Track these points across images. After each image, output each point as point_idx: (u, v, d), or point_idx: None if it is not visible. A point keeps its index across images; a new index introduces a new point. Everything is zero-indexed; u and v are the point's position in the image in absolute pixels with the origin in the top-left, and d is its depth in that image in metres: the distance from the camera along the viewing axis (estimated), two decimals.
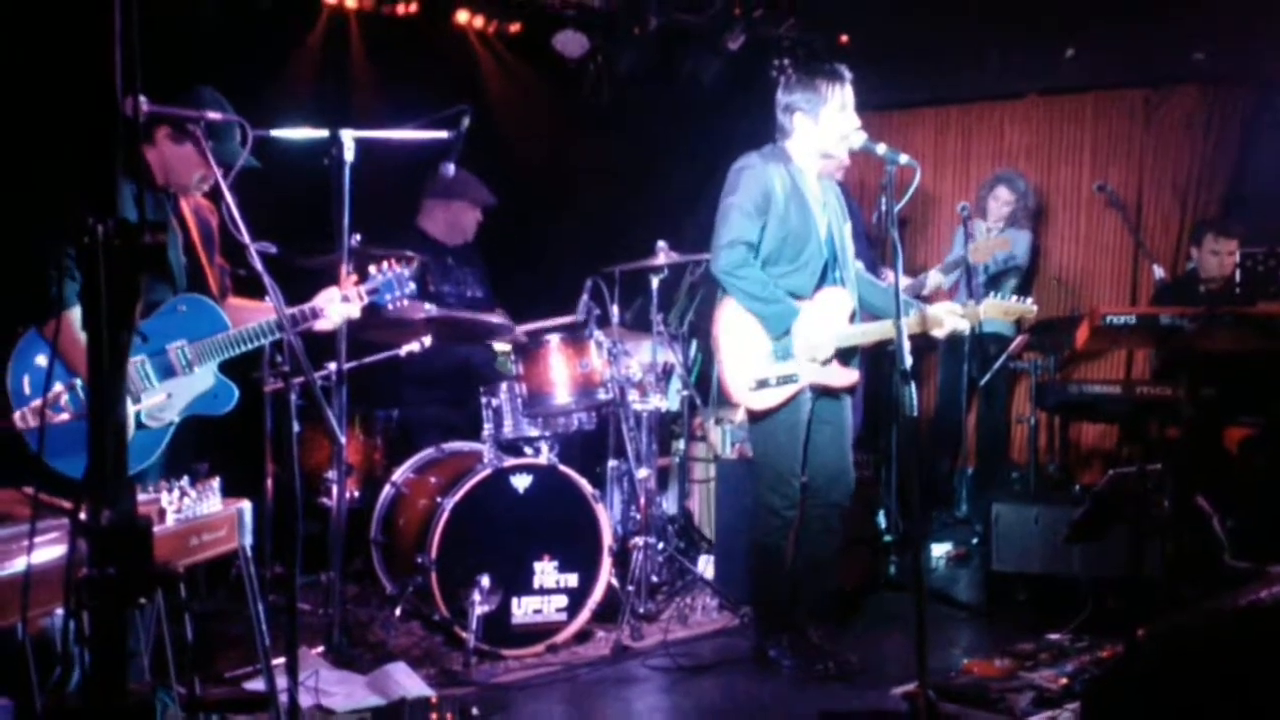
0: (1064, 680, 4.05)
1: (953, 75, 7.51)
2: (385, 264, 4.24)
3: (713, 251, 4.42)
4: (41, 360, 3.54)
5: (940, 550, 6.37)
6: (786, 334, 4.36)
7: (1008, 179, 7.00)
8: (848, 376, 4.48)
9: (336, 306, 4.08)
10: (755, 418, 4.50)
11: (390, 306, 4.27)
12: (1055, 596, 5.10)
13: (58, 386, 3.36)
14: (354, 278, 4.19)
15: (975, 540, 6.34)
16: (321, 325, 4.08)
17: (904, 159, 4.00)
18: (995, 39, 6.85)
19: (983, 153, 7.86)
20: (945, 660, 4.46)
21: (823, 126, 4.38)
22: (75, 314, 3.34)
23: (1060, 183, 7.66)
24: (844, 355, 4.46)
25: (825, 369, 4.41)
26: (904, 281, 6.10)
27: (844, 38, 7.02)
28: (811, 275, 4.43)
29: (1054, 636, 4.62)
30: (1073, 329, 6.16)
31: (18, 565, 2.22)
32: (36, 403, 3.38)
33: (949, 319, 4.41)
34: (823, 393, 4.47)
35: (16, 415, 3.39)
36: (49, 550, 2.28)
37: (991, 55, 7.09)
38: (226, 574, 4.84)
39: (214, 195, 3.83)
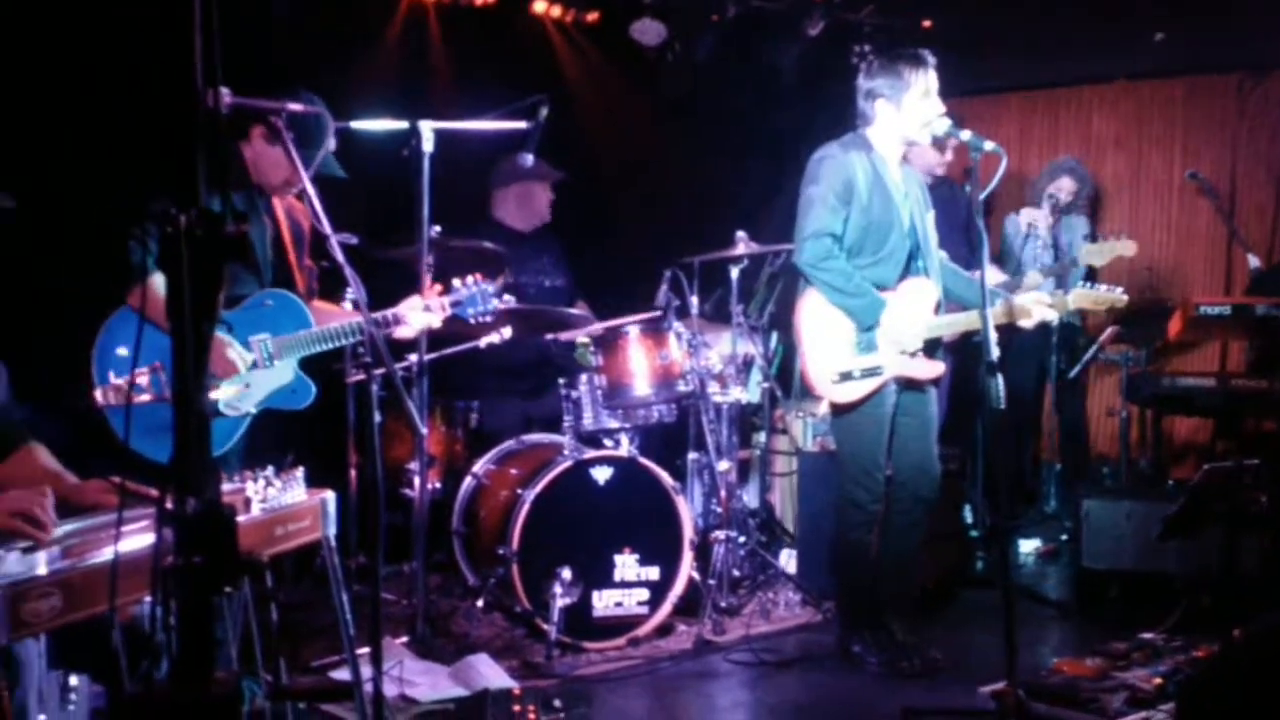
0: (1158, 680, 3.95)
1: (1039, 60, 7.35)
2: (471, 278, 4.24)
3: (796, 244, 4.36)
4: (123, 351, 3.57)
5: (1029, 546, 6.24)
6: (873, 327, 4.29)
7: (1070, 168, 6.83)
8: (933, 368, 4.42)
9: (418, 315, 4.09)
10: (839, 411, 4.44)
11: (472, 320, 4.27)
12: (1148, 594, 4.99)
13: (141, 368, 3.39)
14: (438, 287, 4.19)
15: (1065, 536, 6.22)
16: (401, 333, 4.10)
17: (989, 145, 3.93)
18: (1082, 22, 6.69)
19: (1070, 139, 7.69)
20: (1034, 659, 4.37)
21: (905, 113, 4.31)
22: (158, 280, 3.40)
23: (1150, 170, 7.48)
24: (928, 347, 4.39)
25: (910, 361, 4.34)
26: (998, 279, 6.02)
27: (927, 22, 6.89)
28: (896, 265, 4.37)
29: (1147, 635, 4.50)
30: (1165, 320, 6.01)
31: (107, 554, 2.24)
32: (118, 381, 3.41)
33: (1037, 309, 4.36)
34: (907, 385, 4.41)
35: (98, 392, 3.42)
36: (138, 539, 2.30)
37: (1078, 39, 6.93)
38: (311, 564, 4.88)
39: (305, 197, 3.86)
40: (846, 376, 4.32)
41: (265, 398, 3.79)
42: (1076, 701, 3.87)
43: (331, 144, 3.87)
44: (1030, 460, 7.18)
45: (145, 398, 3.32)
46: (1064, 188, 6.71)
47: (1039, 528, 6.60)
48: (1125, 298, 4.49)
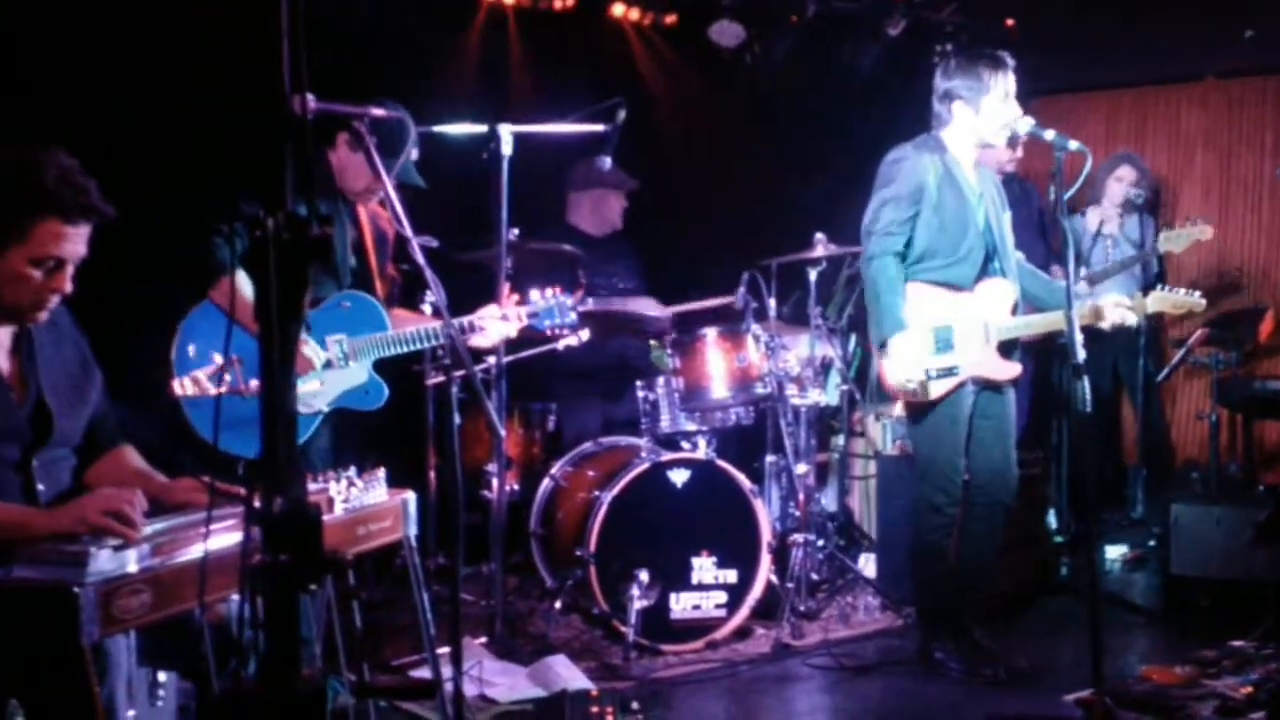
0: (1248, 689, 3.86)
1: (1125, 57, 7.21)
2: (550, 290, 4.24)
3: (864, 240, 4.35)
4: (193, 348, 3.60)
5: (1115, 552, 6.11)
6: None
7: (1126, 156, 6.69)
8: (1010, 369, 4.38)
9: (495, 324, 4.09)
10: (915, 412, 4.39)
11: (548, 331, 4.28)
12: (1238, 602, 4.87)
13: (218, 360, 3.44)
14: (516, 296, 4.20)
15: (1152, 542, 6.09)
16: (478, 341, 4.12)
17: (1074, 145, 3.88)
18: (1170, 19, 6.55)
19: (1158, 138, 7.53)
20: (1121, 666, 4.29)
21: (983, 115, 4.28)
22: (240, 277, 3.44)
23: (1240, 169, 7.31)
24: (1005, 348, 4.35)
25: (987, 361, 4.30)
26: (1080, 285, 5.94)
27: (1010, 21, 6.79)
28: (973, 266, 4.33)
29: (1237, 644, 4.38)
30: (1256, 322, 5.88)
31: (195, 552, 2.28)
32: (196, 372, 3.45)
33: (1115, 311, 4.32)
34: (985, 387, 4.36)
35: (175, 382, 3.47)
36: (225, 537, 2.33)
37: (1166, 36, 6.79)
38: (391, 565, 4.93)
39: (387, 202, 3.90)
40: (923, 378, 4.26)
41: (338, 397, 3.83)
42: (1165, 710, 3.79)
43: (414, 153, 3.90)
44: (1114, 465, 7.05)
45: (221, 390, 3.37)
46: (1124, 176, 6.58)
47: (1125, 533, 6.47)
48: (1204, 302, 4.44)
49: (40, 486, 2.64)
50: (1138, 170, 6.61)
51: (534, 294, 4.23)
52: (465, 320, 4.05)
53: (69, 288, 2.63)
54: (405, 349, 3.89)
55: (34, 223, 2.52)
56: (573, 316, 4.26)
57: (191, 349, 3.58)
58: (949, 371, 4.25)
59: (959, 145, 4.36)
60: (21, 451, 2.63)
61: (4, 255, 2.53)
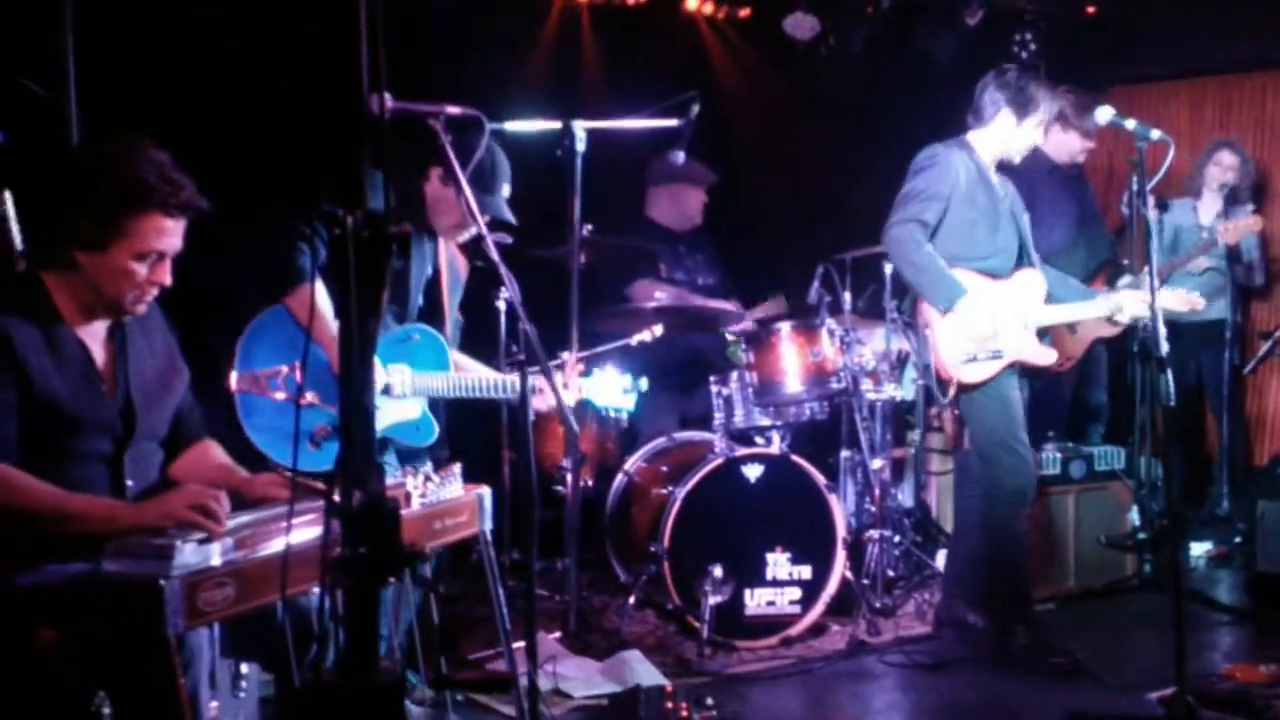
0: None
1: (1208, 45, 7.03)
2: (611, 368, 4.20)
3: (885, 228, 4.54)
4: (260, 348, 3.56)
5: (1200, 549, 5.99)
6: (948, 310, 4.40)
7: (1226, 143, 6.54)
8: (1048, 355, 4.53)
9: (548, 396, 3.80)
10: (965, 393, 4.50)
11: (601, 406, 4.20)
12: None
13: (283, 368, 3.44)
14: (580, 367, 4.10)
15: (1238, 539, 5.95)
16: (535, 403, 3.85)
17: (1155, 135, 3.89)
18: (1254, 3, 6.38)
19: (1244, 126, 7.32)
20: (1205, 665, 4.21)
21: (1021, 131, 4.52)
22: (318, 287, 3.46)
23: None
24: (1040, 335, 4.56)
25: (1027, 346, 4.47)
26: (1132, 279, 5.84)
27: (1091, 9, 6.67)
28: (1009, 258, 4.59)
29: None
30: None
31: (277, 545, 2.31)
32: (256, 371, 3.45)
33: (1130, 305, 4.47)
34: (1024, 374, 4.56)
35: (234, 375, 3.48)
36: (306, 531, 2.37)
37: (1250, 21, 6.62)
38: (467, 560, 4.97)
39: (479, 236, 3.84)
40: (972, 358, 4.42)
41: (387, 426, 3.70)
42: (1249, 709, 3.74)
43: (506, 189, 3.84)
44: (1198, 460, 6.91)
45: (280, 396, 3.39)
46: (1224, 162, 6.43)
47: (1210, 530, 6.33)
48: (1204, 302, 4.69)
49: (129, 481, 2.69)
50: (1238, 156, 6.47)
51: (596, 372, 4.14)
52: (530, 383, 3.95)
53: (169, 280, 2.68)
54: (463, 395, 3.79)
55: (138, 218, 2.57)
56: (629, 399, 4.14)
57: (258, 347, 3.55)
58: (995, 355, 4.42)
59: (985, 149, 4.59)
60: (113, 445, 2.68)
61: (108, 251, 2.58)
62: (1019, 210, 4.68)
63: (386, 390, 3.65)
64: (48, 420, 2.54)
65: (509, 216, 3.85)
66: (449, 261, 4.02)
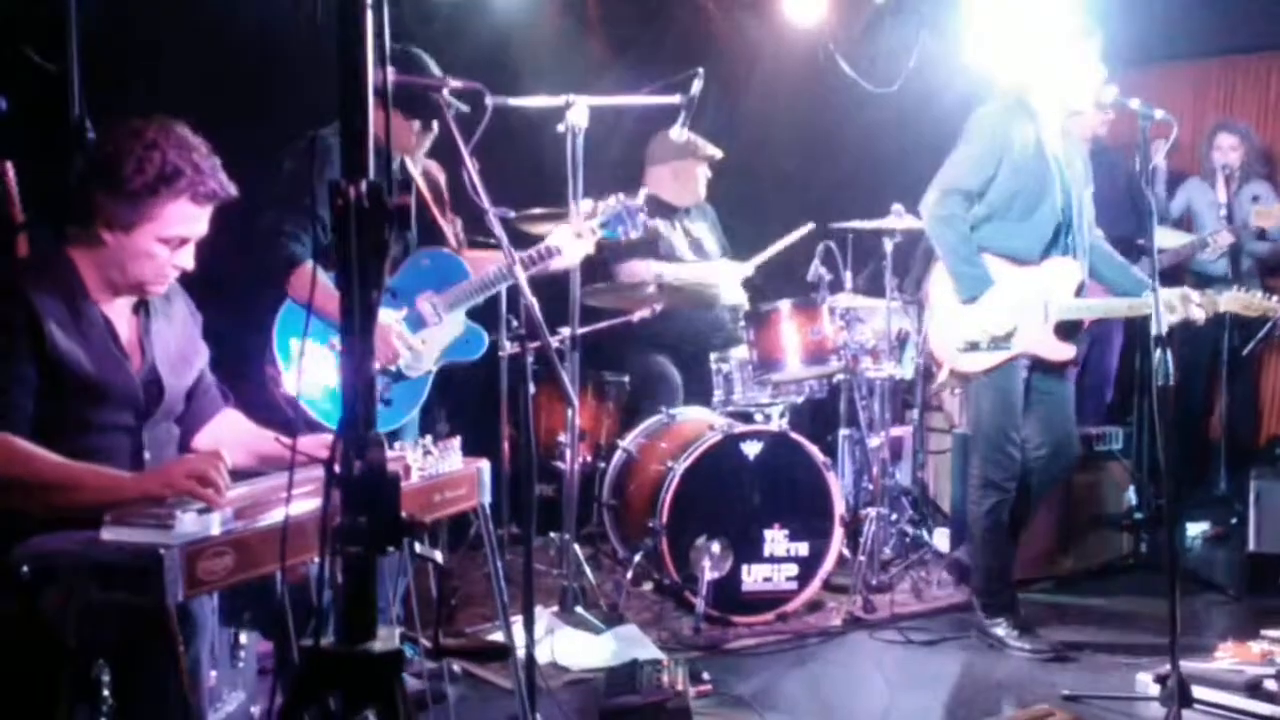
0: None
1: (1213, 26, 7.01)
2: (615, 196, 4.23)
3: (928, 190, 4.33)
4: (294, 343, 3.69)
5: (1196, 529, 6.01)
6: (972, 300, 4.24)
7: (1225, 124, 6.53)
8: (1064, 351, 4.32)
9: (571, 245, 4.07)
10: (964, 386, 4.43)
11: (622, 239, 4.27)
12: None
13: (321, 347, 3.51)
14: (585, 211, 4.17)
15: (1234, 519, 5.97)
16: (558, 264, 4.09)
17: (1159, 114, 3.84)
18: None
19: (1247, 107, 7.30)
20: (1199, 643, 4.21)
21: (1065, 79, 4.23)
22: (309, 267, 3.52)
23: None
24: (1065, 329, 4.29)
25: (1044, 341, 4.26)
26: (1179, 241, 5.82)
27: None
28: (1040, 239, 4.28)
29: None
30: None
31: (276, 515, 2.32)
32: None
33: (1182, 305, 4.18)
34: (1039, 366, 4.34)
35: (285, 378, 3.58)
36: (306, 502, 2.37)
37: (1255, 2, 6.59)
38: (465, 534, 4.98)
39: (438, 155, 3.90)
40: (974, 346, 4.29)
41: (442, 353, 3.92)
42: (1241, 687, 3.73)
43: (433, 65, 3.89)
44: (1199, 440, 6.92)
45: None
46: (1223, 144, 6.42)
47: (1208, 510, 6.35)
48: (1279, 307, 4.29)
49: (146, 454, 2.73)
50: (1235, 135, 6.45)
51: (599, 204, 4.19)
52: (542, 247, 4.03)
53: (190, 264, 2.73)
54: (493, 290, 3.95)
55: (166, 203, 2.61)
56: (643, 218, 4.23)
57: (293, 342, 3.66)
58: (1001, 345, 4.25)
59: (1048, 111, 4.29)
60: (135, 418, 2.72)
61: (133, 233, 2.62)
62: (1080, 184, 4.36)
63: (423, 323, 3.85)
64: (70, 389, 2.58)
65: (455, 83, 3.83)
66: (423, 174, 4.09)
